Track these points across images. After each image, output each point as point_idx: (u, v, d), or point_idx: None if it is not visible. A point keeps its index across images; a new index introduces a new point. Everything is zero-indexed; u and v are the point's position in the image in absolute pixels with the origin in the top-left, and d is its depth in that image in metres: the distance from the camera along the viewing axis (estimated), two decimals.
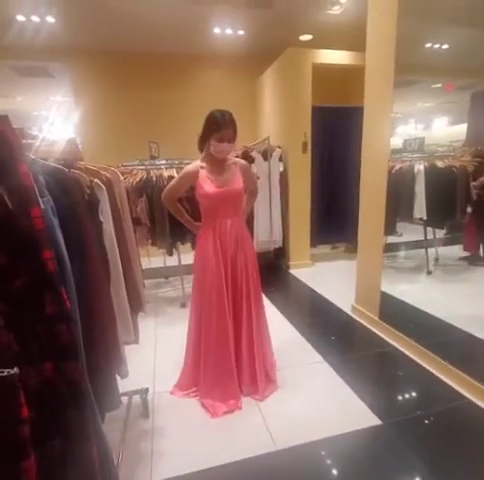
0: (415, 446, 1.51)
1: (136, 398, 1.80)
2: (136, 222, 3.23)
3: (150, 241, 3.28)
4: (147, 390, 1.81)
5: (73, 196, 0.82)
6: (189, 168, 1.79)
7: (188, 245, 3.25)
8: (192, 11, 3.73)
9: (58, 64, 4.80)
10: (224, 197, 1.75)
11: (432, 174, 3.35)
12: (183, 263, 3.25)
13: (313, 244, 4.44)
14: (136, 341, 1.50)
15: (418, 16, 3.58)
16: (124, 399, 1.73)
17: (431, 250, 3.95)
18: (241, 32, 4.25)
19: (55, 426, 0.64)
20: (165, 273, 4.02)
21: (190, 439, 1.62)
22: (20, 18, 3.64)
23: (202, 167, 1.76)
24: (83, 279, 0.87)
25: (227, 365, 1.81)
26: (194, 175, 1.75)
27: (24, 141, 0.72)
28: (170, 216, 2.97)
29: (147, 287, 4.10)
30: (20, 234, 0.57)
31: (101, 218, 1.12)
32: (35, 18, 3.68)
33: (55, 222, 0.73)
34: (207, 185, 1.72)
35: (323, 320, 2.90)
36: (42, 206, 0.65)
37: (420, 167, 3.36)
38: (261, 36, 4.36)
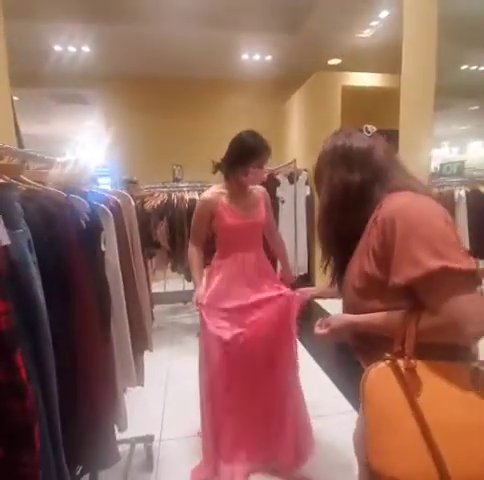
0: None
1: (139, 446, 1.60)
2: (156, 245, 3.15)
3: (170, 265, 3.17)
4: (152, 438, 1.61)
5: (60, 226, 0.69)
6: (207, 196, 1.57)
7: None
8: (221, 39, 3.79)
9: (91, 91, 5.02)
10: (246, 229, 1.57)
11: (475, 200, 3.06)
12: None
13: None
14: (140, 383, 1.33)
15: (453, 38, 3.43)
16: (126, 446, 1.56)
17: None
18: (269, 57, 4.26)
19: None
20: (183, 298, 3.87)
21: None
22: (57, 48, 3.83)
23: (222, 193, 1.56)
24: (69, 324, 0.73)
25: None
26: (214, 202, 1.54)
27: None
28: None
29: (163, 312, 3.96)
30: None
31: (103, 248, 0.99)
32: (71, 48, 3.86)
33: (30, 258, 0.59)
34: (229, 216, 1.53)
35: (354, 360, 2.60)
36: (8, 242, 0.52)
37: (461, 193, 3.08)
38: (289, 61, 4.36)
